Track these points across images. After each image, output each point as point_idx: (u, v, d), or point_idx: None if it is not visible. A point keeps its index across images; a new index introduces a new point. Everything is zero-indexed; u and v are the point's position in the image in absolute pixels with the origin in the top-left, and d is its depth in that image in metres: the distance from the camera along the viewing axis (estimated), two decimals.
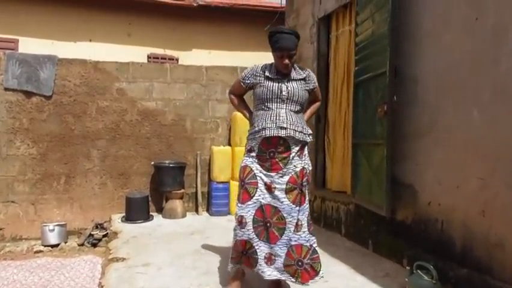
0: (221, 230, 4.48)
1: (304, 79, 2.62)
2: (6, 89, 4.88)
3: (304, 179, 2.61)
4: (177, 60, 8.66)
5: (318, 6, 4.75)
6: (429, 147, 3.01)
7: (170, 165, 5.18)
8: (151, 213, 5.19)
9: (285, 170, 2.54)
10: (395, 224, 3.36)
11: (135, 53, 8.00)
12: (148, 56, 8.52)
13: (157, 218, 5.13)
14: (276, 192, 2.54)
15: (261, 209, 2.54)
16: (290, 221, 2.55)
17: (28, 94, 4.95)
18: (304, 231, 2.57)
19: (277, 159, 2.53)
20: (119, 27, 8.47)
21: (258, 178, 2.55)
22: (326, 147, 4.80)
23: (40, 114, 5.00)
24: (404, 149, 3.25)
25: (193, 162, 5.53)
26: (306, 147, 2.65)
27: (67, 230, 4.91)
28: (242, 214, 2.55)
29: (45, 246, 4.69)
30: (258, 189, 2.54)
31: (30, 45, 7.36)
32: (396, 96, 3.23)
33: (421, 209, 3.09)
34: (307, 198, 2.64)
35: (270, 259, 2.55)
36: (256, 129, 2.56)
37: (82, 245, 4.80)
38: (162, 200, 5.35)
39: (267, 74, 2.59)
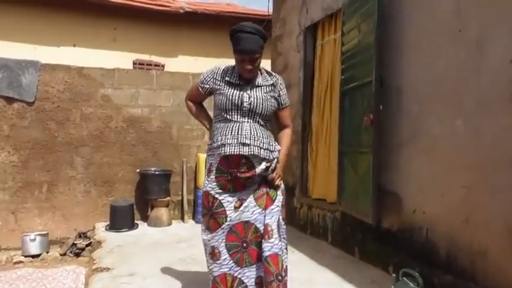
0: None
1: (272, 85, 2.24)
2: None
3: (279, 192, 2.26)
4: (163, 66, 8.59)
5: (305, 16, 4.79)
6: (414, 156, 3.05)
7: (156, 172, 5.14)
8: (136, 221, 5.12)
9: (248, 189, 2.20)
10: (381, 232, 3.39)
11: (120, 59, 7.91)
12: (133, 62, 8.44)
13: (142, 227, 5.06)
14: (245, 204, 2.19)
15: (231, 231, 2.18)
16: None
17: (9, 100, 4.86)
18: (275, 238, 2.15)
19: (240, 181, 2.18)
20: (104, 33, 8.35)
21: (226, 204, 2.20)
22: (309, 154, 4.81)
23: (22, 121, 4.91)
24: (389, 157, 3.29)
25: (179, 169, 5.50)
26: (275, 162, 2.23)
27: (48, 240, 4.81)
28: (213, 244, 2.21)
29: (25, 256, 4.59)
30: (228, 217, 2.19)
31: (11, 50, 7.20)
32: (382, 105, 3.28)
33: (406, 216, 3.13)
34: (278, 200, 2.23)
35: (261, 284, 2.18)
36: (215, 144, 2.20)
37: (65, 254, 4.71)
38: (147, 208, 5.29)
39: (227, 78, 2.21)
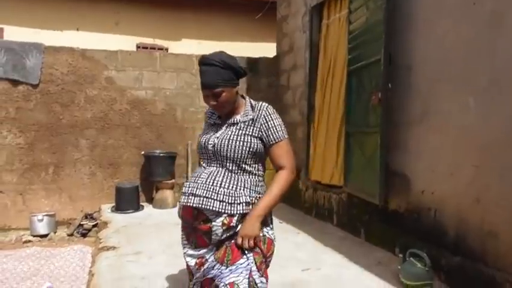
0: None
1: (252, 120, 1.80)
2: None
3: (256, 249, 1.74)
4: (167, 49, 8.51)
5: None
6: (423, 135, 3.00)
7: (161, 155, 5.12)
8: (141, 203, 5.13)
9: (211, 246, 1.78)
10: (388, 213, 3.36)
11: (123, 43, 7.83)
12: (136, 45, 8.37)
13: (148, 208, 5.07)
14: (206, 258, 1.80)
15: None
16: None
17: (14, 83, 4.83)
18: None
19: (199, 233, 1.79)
20: (107, 16, 8.28)
21: (188, 259, 1.86)
22: (311, 136, 4.76)
23: (27, 103, 4.89)
24: (397, 137, 3.25)
25: (184, 152, 5.48)
26: (236, 219, 1.74)
27: (56, 220, 4.84)
28: None
29: (34, 236, 4.64)
30: (193, 273, 1.87)
31: (16, 35, 7.15)
32: (391, 84, 3.22)
33: (414, 197, 3.10)
34: (250, 254, 1.72)
35: None
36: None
37: (72, 235, 4.74)
38: (152, 190, 5.29)
39: (207, 119, 1.95)
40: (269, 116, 1.79)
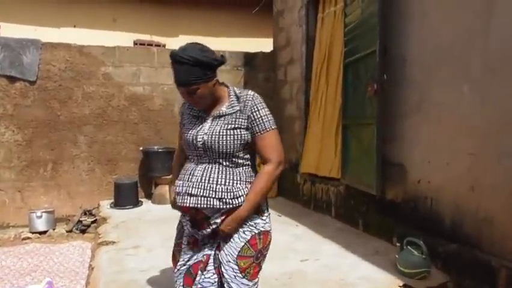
0: None
1: (239, 112, 1.72)
2: None
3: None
4: (164, 46, 8.52)
5: None
6: (419, 125, 3.02)
7: (159, 150, 5.13)
8: (140, 199, 5.15)
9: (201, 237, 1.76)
10: (385, 204, 3.38)
11: (121, 39, 7.82)
12: (134, 42, 8.38)
13: (147, 204, 5.09)
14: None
15: (189, 272, 1.78)
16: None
17: (12, 79, 4.84)
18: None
19: (196, 236, 1.78)
20: (104, 13, 8.29)
21: (185, 234, 1.83)
22: (308, 130, 4.78)
23: (24, 100, 4.89)
24: (394, 128, 3.27)
25: None
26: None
27: (55, 217, 4.84)
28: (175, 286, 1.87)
29: (33, 233, 4.64)
30: (182, 250, 1.83)
31: (12, 32, 7.15)
32: (386, 75, 3.23)
33: (411, 187, 3.12)
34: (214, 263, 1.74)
35: None
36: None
37: (71, 231, 4.75)
38: (151, 186, 5.31)
39: (188, 110, 1.83)
40: (255, 107, 1.72)
